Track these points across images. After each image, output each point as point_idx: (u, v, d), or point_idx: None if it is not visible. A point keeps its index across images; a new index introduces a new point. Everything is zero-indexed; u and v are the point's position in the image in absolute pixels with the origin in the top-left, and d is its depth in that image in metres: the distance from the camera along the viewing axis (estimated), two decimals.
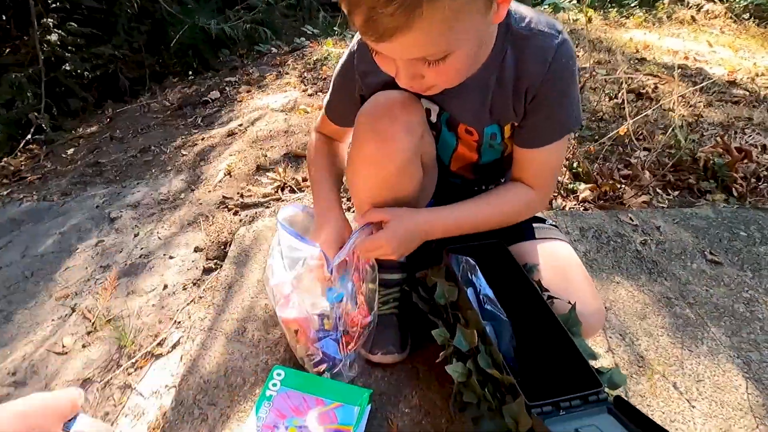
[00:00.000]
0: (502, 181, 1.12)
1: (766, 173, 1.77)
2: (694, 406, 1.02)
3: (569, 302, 0.91)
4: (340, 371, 1.03)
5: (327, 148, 1.12)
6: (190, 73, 3.78)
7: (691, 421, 0.99)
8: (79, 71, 3.39)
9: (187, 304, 1.36)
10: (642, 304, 1.24)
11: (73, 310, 1.43)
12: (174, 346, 1.25)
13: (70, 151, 2.69)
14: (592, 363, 0.82)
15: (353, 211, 1.62)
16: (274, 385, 0.99)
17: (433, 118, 0.97)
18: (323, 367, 1.03)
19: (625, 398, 0.77)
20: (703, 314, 1.22)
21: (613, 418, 0.75)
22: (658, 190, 1.73)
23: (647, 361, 1.10)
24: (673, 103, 2.07)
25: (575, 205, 1.66)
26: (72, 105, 3.34)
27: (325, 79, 2.92)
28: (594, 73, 2.58)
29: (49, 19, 3.25)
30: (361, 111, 0.92)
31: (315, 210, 1.08)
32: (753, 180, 1.74)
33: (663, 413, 1.00)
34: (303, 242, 1.02)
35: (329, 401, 0.97)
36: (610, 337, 1.16)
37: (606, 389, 0.79)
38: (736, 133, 2.07)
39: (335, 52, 3.25)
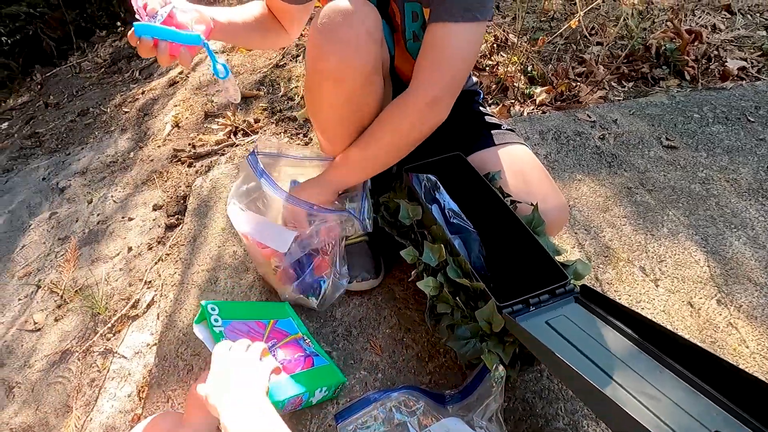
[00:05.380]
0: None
1: (716, 53, 1.77)
2: (658, 285, 1.07)
3: (531, 203, 0.91)
4: (326, 296, 1.04)
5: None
6: (119, 23, 3.49)
7: (656, 299, 1.04)
8: None
9: (155, 263, 1.33)
10: (604, 198, 1.27)
11: (39, 286, 1.39)
12: (149, 306, 1.23)
13: (4, 125, 2.52)
14: (558, 258, 0.83)
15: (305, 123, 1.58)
16: (216, 320, 0.91)
17: None
18: (312, 300, 1.03)
19: (592, 287, 0.80)
20: (662, 199, 1.25)
21: (581, 306, 0.78)
22: (613, 84, 1.72)
23: (612, 251, 1.14)
24: None
25: (533, 109, 1.64)
26: None
27: None
28: None
29: None
30: (314, 22, 0.85)
31: None
32: (704, 61, 1.74)
33: (630, 296, 1.05)
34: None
35: (266, 321, 0.96)
36: (577, 233, 1.18)
37: (572, 281, 0.81)
38: (686, 15, 2.04)
39: None
